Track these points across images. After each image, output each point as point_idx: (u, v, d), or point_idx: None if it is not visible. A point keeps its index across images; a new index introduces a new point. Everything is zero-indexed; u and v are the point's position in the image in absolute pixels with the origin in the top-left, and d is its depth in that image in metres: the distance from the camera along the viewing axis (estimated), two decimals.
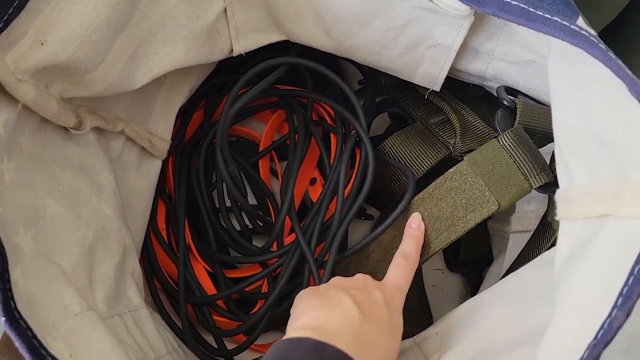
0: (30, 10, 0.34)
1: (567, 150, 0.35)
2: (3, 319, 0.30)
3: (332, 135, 0.56)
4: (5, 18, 0.32)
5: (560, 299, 0.33)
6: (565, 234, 0.35)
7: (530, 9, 0.29)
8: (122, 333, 0.41)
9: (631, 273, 0.27)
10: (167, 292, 0.54)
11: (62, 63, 0.36)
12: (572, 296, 0.32)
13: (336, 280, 0.42)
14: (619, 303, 0.26)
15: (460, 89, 0.52)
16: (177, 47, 0.45)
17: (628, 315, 0.26)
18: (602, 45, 0.28)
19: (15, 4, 0.32)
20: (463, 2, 0.32)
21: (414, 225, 0.46)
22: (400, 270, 0.44)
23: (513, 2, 0.30)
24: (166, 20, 0.43)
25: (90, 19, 0.36)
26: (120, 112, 0.49)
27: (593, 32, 0.29)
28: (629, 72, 0.27)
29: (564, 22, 0.28)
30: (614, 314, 0.26)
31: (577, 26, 0.28)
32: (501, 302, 0.42)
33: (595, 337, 0.27)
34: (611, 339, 0.26)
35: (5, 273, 0.30)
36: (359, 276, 0.43)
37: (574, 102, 0.32)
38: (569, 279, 0.33)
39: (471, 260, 0.61)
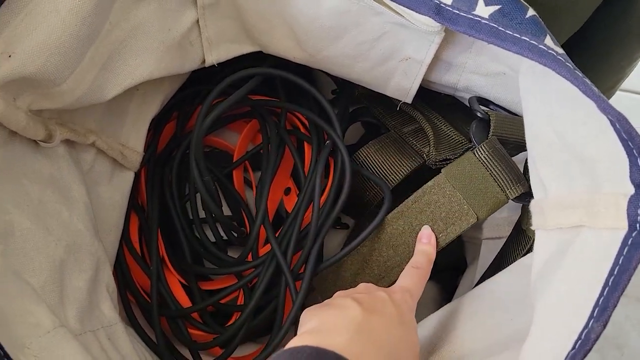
0: None
1: (540, 162, 0.35)
2: None
3: (306, 144, 0.56)
4: None
5: (537, 309, 0.34)
6: (541, 243, 0.36)
7: (500, 28, 0.30)
8: (95, 350, 0.40)
9: (606, 283, 0.27)
10: (140, 305, 0.53)
11: (31, 75, 0.36)
12: (549, 305, 0.33)
13: (339, 292, 0.41)
14: (595, 314, 0.27)
15: (432, 97, 0.53)
16: (149, 59, 0.45)
17: (604, 326, 0.27)
18: (570, 64, 0.28)
19: None
20: (434, 20, 0.33)
21: (425, 240, 0.46)
22: (410, 277, 0.42)
23: (483, 21, 0.31)
24: (137, 32, 0.43)
25: (59, 31, 0.36)
26: (92, 124, 0.48)
27: (561, 51, 0.30)
28: (596, 89, 0.28)
29: (532, 42, 0.29)
30: (590, 324, 0.27)
31: (545, 45, 0.28)
32: (478, 308, 0.43)
33: (574, 347, 0.27)
34: (589, 350, 0.27)
35: None
36: (362, 284, 0.42)
37: (546, 116, 0.33)
38: (546, 288, 0.33)
39: (446, 267, 0.62)
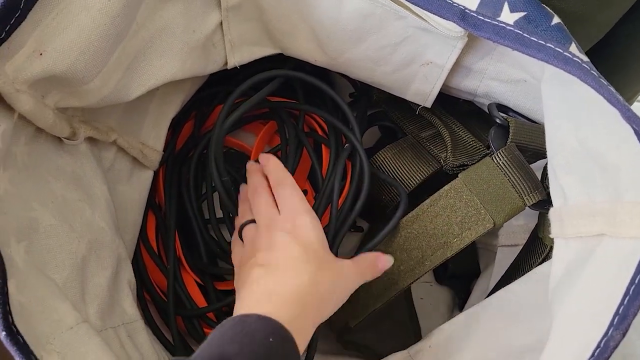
0: (30, 20, 0.34)
1: (561, 170, 0.35)
2: (3, 333, 0.29)
3: (323, 147, 0.56)
4: (7, 29, 0.32)
5: (557, 317, 0.34)
6: (560, 251, 0.36)
7: (525, 35, 0.30)
8: (115, 347, 0.41)
9: (627, 292, 0.27)
10: (156, 304, 0.53)
11: (60, 74, 0.36)
12: (568, 314, 0.33)
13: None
14: (615, 322, 0.27)
15: (450, 103, 0.53)
16: (173, 60, 0.45)
17: (624, 334, 0.27)
18: (595, 72, 0.29)
19: (17, 14, 0.32)
20: (458, 25, 0.33)
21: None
22: (288, 199, 0.43)
23: (508, 28, 0.31)
24: (163, 33, 0.43)
25: (89, 30, 0.36)
26: (113, 123, 0.48)
27: (585, 59, 0.30)
28: (621, 98, 0.28)
29: (557, 49, 0.29)
30: (610, 332, 0.27)
31: (570, 53, 0.29)
32: (495, 316, 0.43)
33: (592, 355, 0.27)
34: (608, 358, 0.27)
35: (4, 286, 0.30)
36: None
37: (569, 123, 0.33)
38: (566, 296, 0.33)
39: (460, 273, 0.62)
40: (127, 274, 0.46)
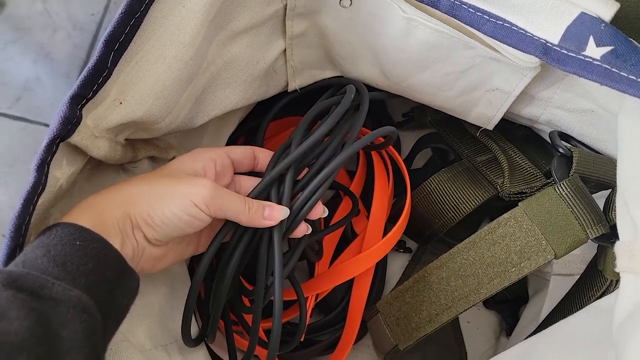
0: (113, 74, 0.35)
1: (635, 203, 0.35)
2: None
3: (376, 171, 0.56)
4: (94, 88, 0.33)
5: (626, 352, 0.33)
6: (629, 286, 0.35)
7: (614, 70, 0.30)
8: None
9: None
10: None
11: (137, 119, 0.37)
12: None
13: None
14: None
15: (506, 127, 0.53)
16: (236, 90, 0.46)
17: None
18: None
19: (105, 73, 0.33)
20: (540, 59, 0.33)
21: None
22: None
23: (595, 62, 0.30)
24: (229, 66, 0.44)
25: (165, 76, 0.37)
26: (173, 141, 0.49)
27: None
28: None
29: None
30: None
31: None
32: (554, 350, 0.42)
33: None
34: None
35: None
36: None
37: None
38: (637, 331, 0.33)
39: (507, 298, 0.61)
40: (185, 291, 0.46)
